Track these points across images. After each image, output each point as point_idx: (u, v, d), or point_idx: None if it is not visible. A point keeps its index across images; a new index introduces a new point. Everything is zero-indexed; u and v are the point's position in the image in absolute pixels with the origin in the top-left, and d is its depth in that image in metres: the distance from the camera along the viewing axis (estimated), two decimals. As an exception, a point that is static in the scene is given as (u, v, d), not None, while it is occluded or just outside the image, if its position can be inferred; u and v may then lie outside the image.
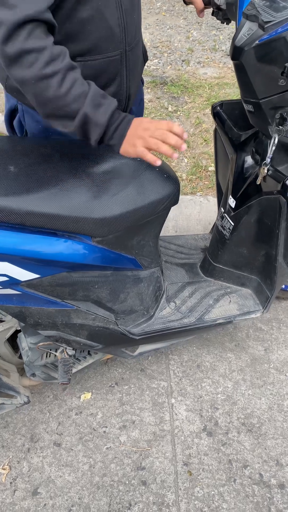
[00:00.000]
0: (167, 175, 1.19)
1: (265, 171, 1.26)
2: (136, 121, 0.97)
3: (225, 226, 1.49)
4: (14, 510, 1.34)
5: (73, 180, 1.06)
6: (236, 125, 1.45)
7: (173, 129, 0.94)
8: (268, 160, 1.22)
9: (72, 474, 1.41)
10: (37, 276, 1.08)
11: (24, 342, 1.30)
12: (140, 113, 1.49)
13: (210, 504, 1.34)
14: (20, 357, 1.46)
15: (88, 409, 1.58)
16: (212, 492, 1.37)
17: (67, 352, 1.28)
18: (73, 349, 1.31)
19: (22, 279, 1.07)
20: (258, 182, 1.31)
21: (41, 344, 1.26)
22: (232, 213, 1.44)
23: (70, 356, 1.29)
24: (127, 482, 1.40)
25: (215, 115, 1.50)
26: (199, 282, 1.61)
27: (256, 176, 1.32)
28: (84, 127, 0.93)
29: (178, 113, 2.93)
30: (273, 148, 1.20)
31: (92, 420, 1.55)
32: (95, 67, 1.09)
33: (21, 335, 1.32)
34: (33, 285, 1.10)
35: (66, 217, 1.02)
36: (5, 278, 1.04)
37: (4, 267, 1.02)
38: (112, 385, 1.65)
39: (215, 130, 1.58)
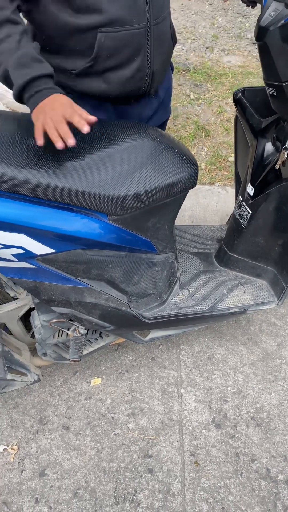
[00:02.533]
0: (185, 157, 1.17)
1: (285, 155, 1.23)
2: (54, 98, 0.96)
3: (242, 215, 1.46)
4: (21, 489, 1.35)
5: (92, 157, 1.06)
6: (257, 112, 1.41)
7: (73, 119, 0.92)
8: None
9: (80, 457, 1.42)
10: (52, 251, 1.08)
11: (37, 319, 1.31)
12: (167, 101, 1.46)
13: (215, 495, 1.34)
14: (32, 336, 1.46)
15: (97, 394, 1.58)
16: (218, 484, 1.36)
17: (79, 331, 1.29)
18: (85, 329, 1.31)
19: (38, 253, 1.07)
20: (277, 167, 1.28)
21: (53, 321, 1.26)
22: (250, 201, 1.42)
23: (81, 335, 1.29)
24: (133, 469, 1.40)
25: (237, 101, 1.47)
26: (214, 271, 1.59)
27: (276, 162, 1.29)
28: (5, 81, 0.97)
29: (200, 101, 2.88)
30: None
31: (101, 405, 1.55)
32: (117, 39, 1.07)
33: (34, 313, 1.33)
34: (48, 260, 1.10)
35: (83, 193, 1.02)
36: (21, 251, 1.05)
37: (21, 239, 1.02)
38: (122, 372, 1.65)
39: (236, 118, 1.54)
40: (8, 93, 2.20)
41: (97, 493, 1.35)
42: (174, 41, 1.31)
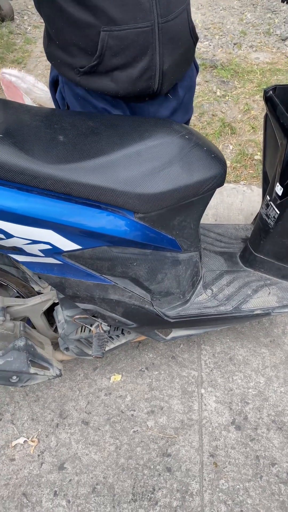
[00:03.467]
0: (214, 155, 1.15)
1: None
2: None
3: (269, 215, 1.44)
4: (40, 482, 1.37)
5: (120, 154, 1.05)
6: None
7: None
8: None
9: (99, 453, 1.43)
10: (79, 247, 1.08)
11: (61, 314, 1.31)
12: (189, 100, 1.42)
13: (234, 497, 1.33)
14: (55, 331, 1.47)
15: (117, 391, 1.58)
16: (237, 486, 1.35)
17: (102, 327, 1.29)
18: (108, 325, 1.31)
19: (65, 249, 1.07)
20: None
21: (77, 316, 1.27)
22: (279, 201, 1.39)
23: (104, 331, 1.29)
24: (152, 467, 1.40)
25: (267, 99, 1.43)
26: (238, 271, 1.57)
27: None
28: None
29: (227, 98, 2.85)
30: None
31: (121, 402, 1.55)
32: (121, 38, 1.04)
33: (58, 308, 1.33)
34: (75, 256, 1.11)
35: (110, 190, 1.02)
36: (49, 247, 1.05)
37: (48, 235, 1.03)
38: (143, 370, 1.65)
39: (266, 116, 1.51)
40: (36, 88, 2.21)
41: (115, 489, 1.35)
42: (194, 38, 1.26)
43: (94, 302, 1.22)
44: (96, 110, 1.21)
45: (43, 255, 1.08)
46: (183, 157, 1.12)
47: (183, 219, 1.22)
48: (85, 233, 1.06)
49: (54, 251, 1.07)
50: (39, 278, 1.34)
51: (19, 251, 1.06)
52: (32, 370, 1.28)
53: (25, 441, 1.46)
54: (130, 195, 1.06)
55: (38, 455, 1.43)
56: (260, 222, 1.51)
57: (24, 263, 1.10)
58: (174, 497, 1.33)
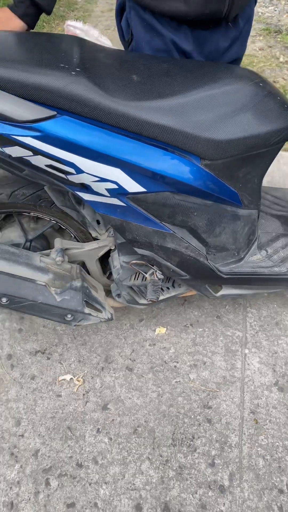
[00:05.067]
0: (287, 106, 1.12)
1: None
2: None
3: None
4: (84, 418, 1.43)
5: (192, 97, 1.04)
6: None
7: None
8: None
9: (141, 398, 1.47)
10: (143, 190, 1.09)
11: (117, 260, 1.34)
12: (246, 34, 1.37)
13: (273, 453, 1.34)
14: (108, 278, 1.51)
15: (161, 342, 1.62)
16: (277, 444, 1.36)
17: (157, 275, 1.31)
18: (162, 274, 1.33)
19: (130, 190, 1.08)
20: None
21: (134, 262, 1.29)
22: None
23: (159, 279, 1.31)
24: (192, 416, 1.43)
25: None
26: None
27: None
28: None
29: (290, 64, 2.74)
30: None
31: (164, 353, 1.58)
32: None
33: (114, 254, 1.36)
34: (138, 200, 1.12)
35: (180, 132, 1.02)
36: (115, 186, 1.07)
37: (116, 174, 1.04)
38: (187, 325, 1.67)
39: None
40: (100, 42, 2.20)
41: (155, 433, 1.40)
42: None
43: (152, 248, 1.24)
44: (161, 38, 1.21)
45: (109, 195, 1.10)
46: (256, 104, 1.10)
47: (248, 172, 1.20)
48: (151, 175, 1.07)
49: (119, 192, 1.09)
50: (98, 223, 1.37)
51: (86, 188, 1.08)
52: (87, 310, 1.32)
53: (71, 379, 1.52)
54: (199, 139, 1.05)
55: (83, 394, 1.49)
56: None
57: (89, 202, 1.13)
58: (213, 447, 1.36)
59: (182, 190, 1.13)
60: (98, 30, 2.25)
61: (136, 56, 1.19)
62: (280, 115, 1.11)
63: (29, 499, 1.26)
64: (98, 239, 1.40)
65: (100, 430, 1.41)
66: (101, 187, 1.07)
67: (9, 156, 1.03)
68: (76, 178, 1.05)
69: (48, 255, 1.36)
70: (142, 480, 1.30)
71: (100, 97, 0.98)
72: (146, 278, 1.34)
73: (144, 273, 1.32)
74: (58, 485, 1.29)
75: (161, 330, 1.65)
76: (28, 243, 1.45)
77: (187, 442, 1.37)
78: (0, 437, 1.38)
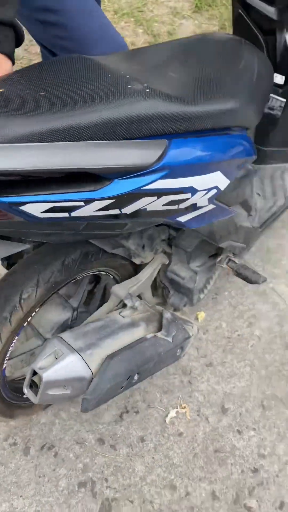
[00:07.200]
0: None
1: None
2: None
3: (274, 107, 1.55)
4: (219, 432, 1.36)
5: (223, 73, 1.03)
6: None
7: None
8: None
9: (241, 380, 1.47)
10: (229, 181, 1.02)
11: (185, 271, 1.26)
12: None
13: None
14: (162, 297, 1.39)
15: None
16: None
17: (235, 260, 1.29)
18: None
19: (222, 189, 1.00)
20: None
21: (218, 259, 1.26)
22: (281, 90, 1.51)
23: (236, 263, 1.30)
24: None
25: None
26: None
27: None
28: None
29: None
30: None
31: (220, 331, 1.60)
32: None
33: (173, 267, 1.26)
34: (220, 196, 1.05)
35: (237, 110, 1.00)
36: (215, 191, 0.98)
37: (217, 178, 0.96)
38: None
39: (237, 17, 1.55)
40: None
41: (278, 396, 1.45)
42: None
43: (230, 236, 1.20)
44: None
45: (207, 203, 1.00)
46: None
47: None
48: (235, 164, 1.02)
49: (215, 195, 1.00)
50: (143, 248, 1.22)
51: (192, 208, 0.96)
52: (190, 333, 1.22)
53: (176, 412, 1.40)
54: (245, 112, 1.03)
55: (198, 415, 1.40)
56: (264, 119, 1.61)
57: (186, 222, 1.00)
58: None
59: (244, 165, 1.11)
60: None
61: (140, 52, 1.04)
62: None
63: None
64: (144, 265, 1.26)
65: (240, 430, 1.38)
66: (204, 199, 0.97)
67: (125, 214, 0.82)
68: (189, 202, 0.92)
69: (120, 308, 1.17)
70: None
71: (179, 107, 0.86)
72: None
73: (222, 265, 1.28)
74: None
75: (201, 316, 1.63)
76: (75, 313, 1.20)
77: (304, 382, 1.48)
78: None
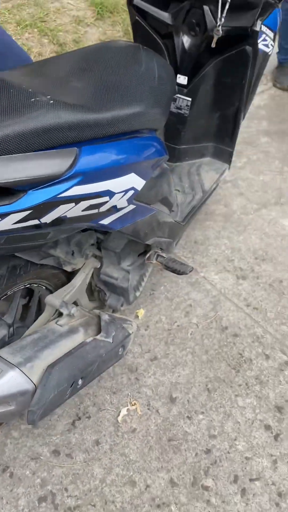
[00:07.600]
0: None
1: (220, 32, 1.40)
2: None
3: (181, 106, 1.63)
4: (171, 422, 1.41)
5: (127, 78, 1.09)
6: (160, 7, 1.51)
7: None
8: (222, 20, 1.36)
9: (185, 368, 1.54)
10: (144, 182, 1.07)
11: (117, 271, 1.29)
12: None
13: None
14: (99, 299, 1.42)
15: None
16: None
17: (162, 255, 1.34)
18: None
19: (139, 189, 1.05)
20: (213, 45, 1.45)
21: (147, 255, 1.30)
22: (186, 90, 1.60)
23: (164, 257, 1.35)
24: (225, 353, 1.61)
25: (133, 6, 1.53)
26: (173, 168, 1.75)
27: (207, 43, 1.46)
28: None
29: None
30: (226, 6, 1.34)
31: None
32: None
33: (105, 270, 1.29)
34: (138, 196, 1.09)
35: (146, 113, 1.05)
36: (133, 192, 1.03)
37: (133, 179, 1.01)
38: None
39: (135, 23, 1.61)
40: None
41: (218, 374, 1.53)
42: None
43: (154, 233, 1.25)
44: None
45: (127, 204, 1.04)
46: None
47: None
48: (149, 164, 1.07)
49: (133, 195, 1.05)
50: (72, 255, 1.24)
51: (112, 211, 1.00)
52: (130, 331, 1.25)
53: (127, 410, 1.43)
54: (151, 114, 1.09)
55: (148, 409, 1.45)
56: (173, 118, 1.69)
57: (110, 224, 1.04)
58: (256, 347, 1.61)
59: (158, 165, 1.17)
60: None
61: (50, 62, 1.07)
62: None
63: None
64: (76, 271, 1.28)
65: (190, 416, 1.43)
66: (123, 200, 1.01)
67: (45, 223, 0.84)
68: (108, 205, 0.96)
69: (56, 317, 1.18)
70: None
71: (84, 115, 0.89)
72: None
73: (152, 261, 1.32)
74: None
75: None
76: (11, 329, 1.19)
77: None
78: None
